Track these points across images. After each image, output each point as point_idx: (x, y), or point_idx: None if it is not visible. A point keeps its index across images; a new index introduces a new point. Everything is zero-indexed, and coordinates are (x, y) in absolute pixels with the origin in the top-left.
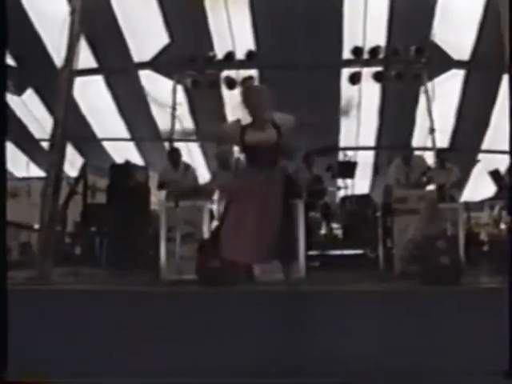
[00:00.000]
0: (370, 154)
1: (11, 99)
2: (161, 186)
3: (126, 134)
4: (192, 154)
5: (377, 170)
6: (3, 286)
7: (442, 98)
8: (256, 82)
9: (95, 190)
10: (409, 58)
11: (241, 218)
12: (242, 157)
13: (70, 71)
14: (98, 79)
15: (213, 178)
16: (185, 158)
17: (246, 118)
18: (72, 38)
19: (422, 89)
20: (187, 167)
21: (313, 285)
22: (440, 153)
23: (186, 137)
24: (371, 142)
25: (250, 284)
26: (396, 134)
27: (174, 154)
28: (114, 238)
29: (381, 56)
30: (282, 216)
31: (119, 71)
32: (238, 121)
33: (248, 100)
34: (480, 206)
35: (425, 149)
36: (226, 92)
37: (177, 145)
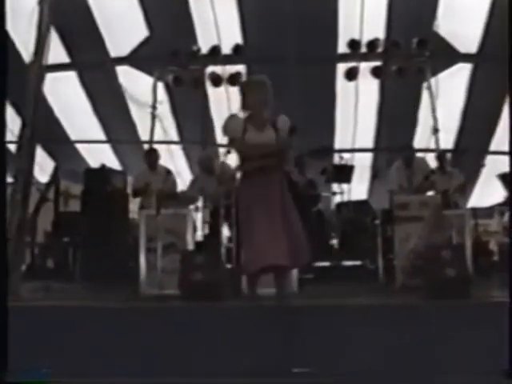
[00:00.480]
0: (368, 156)
1: None
2: (135, 194)
3: (101, 136)
4: (174, 158)
5: (375, 173)
6: (3, 287)
7: (447, 94)
8: (244, 79)
9: (68, 197)
10: (410, 52)
11: (256, 226)
12: (226, 160)
13: (40, 66)
14: (71, 75)
15: (193, 184)
16: (166, 162)
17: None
18: (41, 30)
19: (425, 85)
20: (168, 172)
21: (306, 299)
22: (443, 154)
23: (167, 139)
24: (369, 144)
25: (237, 299)
26: (396, 134)
27: (151, 155)
28: (89, 249)
29: (380, 49)
30: (294, 217)
31: (94, 66)
32: (238, 117)
33: (250, 95)
34: (489, 212)
35: (427, 150)
36: (211, 89)
37: (157, 147)
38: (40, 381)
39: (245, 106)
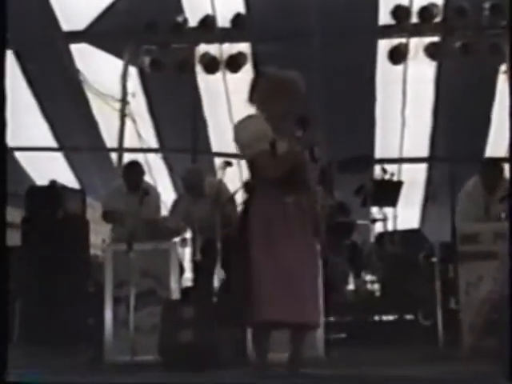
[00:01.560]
0: (422, 168)
1: None
2: (106, 217)
3: (51, 141)
4: (152, 171)
5: (431, 193)
6: (3, 287)
7: None
8: (249, 63)
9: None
10: (481, 21)
11: (273, 262)
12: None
13: None
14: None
15: (174, 207)
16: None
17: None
18: None
19: (502, 68)
20: (145, 192)
21: (335, 368)
22: None
23: (142, 145)
24: (423, 152)
25: (240, 367)
26: (460, 138)
27: (134, 170)
28: (33, 299)
29: (437, 19)
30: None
31: (38, 45)
32: (262, 120)
33: (279, 98)
34: None
35: (503, 160)
36: (203, 77)
37: (128, 156)
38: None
39: (261, 107)
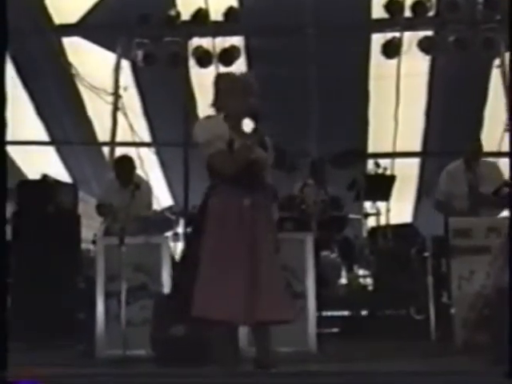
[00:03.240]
0: (415, 163)
1: None
2: (100, 210)
3: (42, 135)
4: (144, 166)
5: (424, 186)
6: (3, 286)
7: None
8: (242, 56)
9: None
10: (475, 15)
11: (223, 259)
12: None
13: None
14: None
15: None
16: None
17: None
18: None
19: (496, 62)
20: (136, 186)
21: (328, 362)
22: None
23: (134, 139)
24: (416, 146)
25: (234, 362)
26: (453, 132)
27: (124, 164)
28: (24, 294)
29: (430, 13)
30: (274, 255)
31: (30, 38)
32: (220, 119)
33: (235, 95)
34: None
35: (498, 155)
36: (196, 70)
37: (121, 150)
38: None
39: (220, 106)
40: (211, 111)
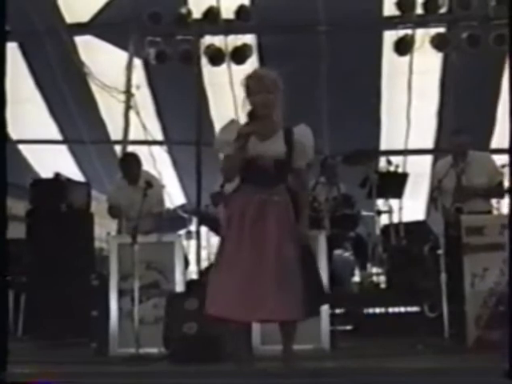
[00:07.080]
0: (427, 160)
1: None
2: (111, 212)
3: (55, 134)
4: (157, 164)
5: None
6: (3, 287)
7: None
8: (254, 54)
9: (8, 219)
10: (488, 12)
11: (234, 257)
12: None
13: None
14: (11, 47)
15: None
16: (147, 168)
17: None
18: None
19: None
20: (148, 184)
21: (341, 360)
22: None
23: (147, 138)
24: (428, 144)
25: (247, 360)
26: (465, 129)
27: (129, 162)
28: (38, 292)
29: (443, 9)
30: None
31: (43, 37)
32: (236, 123)
33: (254, 93)
34: None
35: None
36: (208, 68)
37: (133, 149)
38: None
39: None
40: (223, 109)
